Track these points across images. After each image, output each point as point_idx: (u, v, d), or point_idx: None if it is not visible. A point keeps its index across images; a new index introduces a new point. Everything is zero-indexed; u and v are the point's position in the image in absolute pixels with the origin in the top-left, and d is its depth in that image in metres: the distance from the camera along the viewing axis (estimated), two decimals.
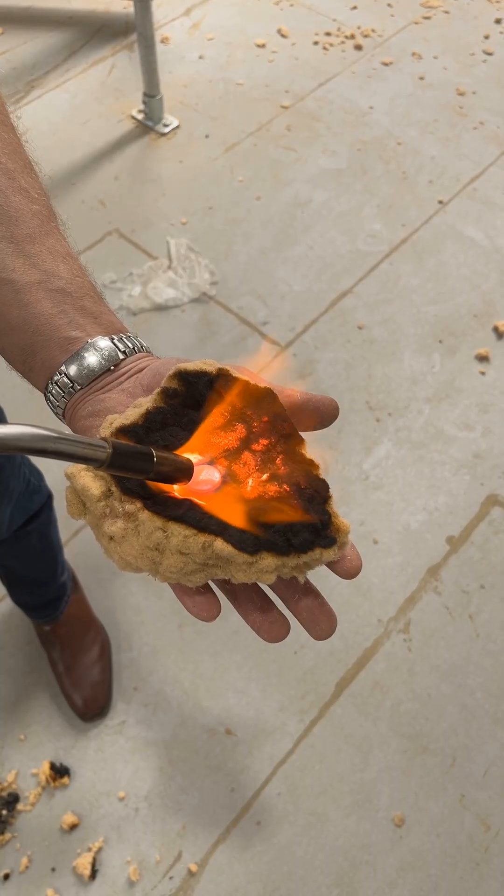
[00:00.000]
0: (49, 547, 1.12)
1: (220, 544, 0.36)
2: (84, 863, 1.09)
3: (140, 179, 1.87)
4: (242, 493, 0.38)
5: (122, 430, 0.38)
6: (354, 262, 1.73)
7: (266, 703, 1.22)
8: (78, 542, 1.36)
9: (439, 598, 1.32)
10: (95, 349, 0.41)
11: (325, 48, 2.18)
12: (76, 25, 2.23)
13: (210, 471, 0.38)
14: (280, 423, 0.39)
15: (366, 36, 2.22)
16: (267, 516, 0.37)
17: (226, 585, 0.39)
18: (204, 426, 0.39)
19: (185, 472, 0.37)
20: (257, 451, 0.39)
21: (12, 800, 1.14)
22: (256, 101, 2.04)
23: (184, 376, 0.39)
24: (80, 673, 1.21)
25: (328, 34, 2.22)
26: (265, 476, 0.38)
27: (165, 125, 1.97)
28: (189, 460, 0.37)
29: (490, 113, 2.03)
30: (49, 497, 1.07)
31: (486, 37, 2.24)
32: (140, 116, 1.98)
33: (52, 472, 1.13)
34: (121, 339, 0.42)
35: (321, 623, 0.38)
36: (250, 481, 0.38)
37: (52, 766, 1.16)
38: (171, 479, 0.36)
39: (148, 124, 1.97)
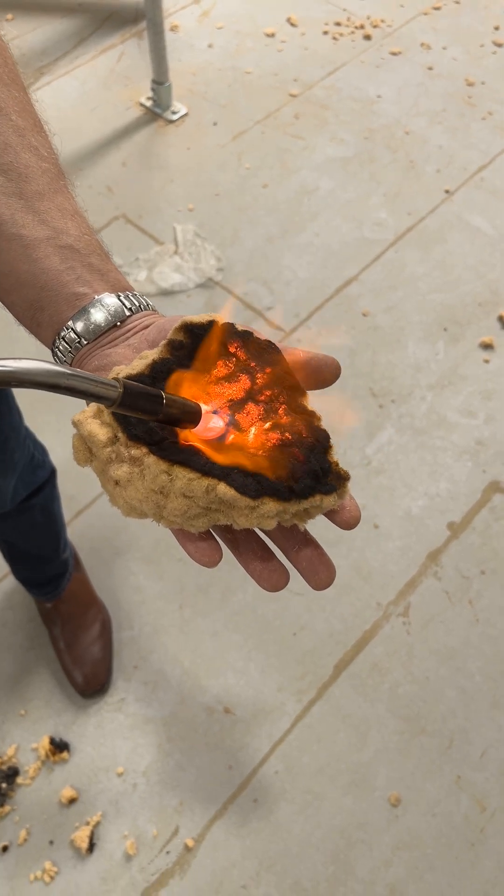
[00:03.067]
0: (52, 522, 1.13)
1: (223, 488, 0.36)
2: (82, 836, 1.10)
3: (147, 166, 1.88)
4: (246, 440, 0.38)
5: (129, 379, 0.38)
6: (360, 249, 1.73)
7: (265, 683, 1.23)
8: (80, 522, 1.37)
9: (439, 583, 1.32)
10: (102, 305, 0.41)
11: (334, 38, 2.18)
12: (86, 13, 2.23)
13: (215, 419, 0.39)
14: (283, 376, 0.40)
15: (375, 26, 2.22)
16: (269, 462, 0.37)
17: (227, 535, 0.40)
18: (209, 376, 0.40)
19: (192, 415, 0.37)
20: (261, 401, 0.39)
21: (12, 773, 1.15)
22: (265, 89, 2.04)
23: (190, 328, 0.40)
24: (81, 650, 1.22)
25: (338, 24, 2.22)
26: (268, 425, 0.38)
27: (174, 112, 1.97)
28: (197, 404, 0.38)
29: (498, 103, 2.03)
30: (52, 472, 1.08)
31: (496, 28, 2.24)
32: (148, 104, 1.99)
33: (57, 450, 1.14)
34: (127, 297, 0.43)
35: (320, 573, 0.39)
36: (253, 429, 0.39)
37: (52, 741, 1.17)
38: (178, 422, 0.37)
39: (156, 111, 1.98)
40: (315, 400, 0.41)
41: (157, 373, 0.39)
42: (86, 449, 0.40)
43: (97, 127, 1.95)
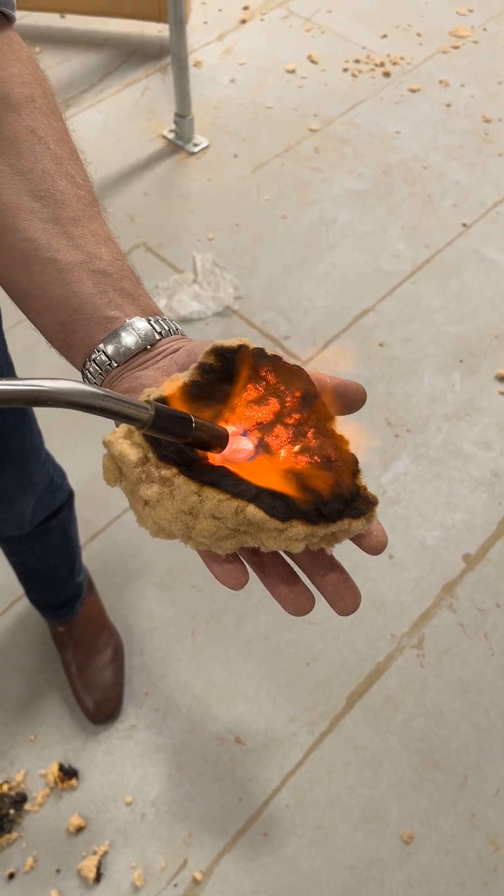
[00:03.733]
0: (68, 545, 1.13)
1: (252, 510, 0.37)
2: (89, 866, 1.09)
3: (169, 196, 1.91)
4: (275, 462, 0.39)
5: (159, 402, 0.39)
6: (377, 281, 1.74)
7: (277, 713, 1.22)
8: (95, 546, 1.37)
9: (454, 616, 1.31)
10: (133, 329, 0.42)
11: (354, 75, 2.23)
12: (112, 48, 2.29)
13: (244, 441, 0.39)
14: (311, 399, 0.40)
15: (394, 63, 2.26)
16: (298, 485, 0.38)
17: (253, 558, 0.40)
18: (238, 398, 0.40)
19: (220, 439, 0.38)
20: (289, 424, 0.40)
21: (20, 799, 1.14)
22: (285, 123, 2.08)
23: (220, 352, 0.41)
24: (93, 675, 1.21)
25: (357, 61, 2.27)
26: (297, 448, 0.39)
27: (195, 145, 2.01)
28: (224, 429, 0.39)
29: None
30: (70, 495, 1.08)
31: None
32: (171, 136, 2.03)
33: (74, 472, 1.15)
34: (157, 321, 0.43)
35: (346, 598, 0.39)
36: (282, 452, 0.39)
37: (61, 768, 1.16)
38: (207, 446, 0.38)
39: (178, 143, 2.02)
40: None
41: (188, 395, 0.39)
42: (116, 469, 0.41)
43: (120, 158, 1.99)
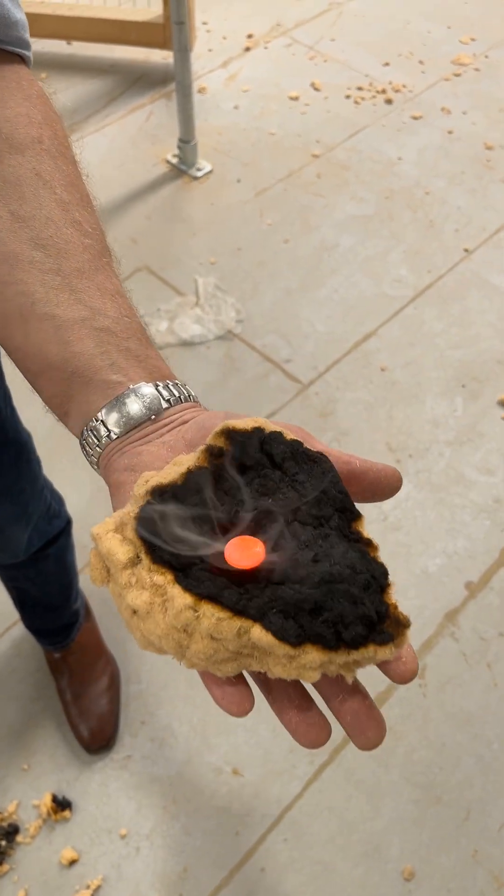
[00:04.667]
0: (65, 572, 1.12)
1: (257, 632, 0.32)
2: None
3: (171, 220, 1.92)
4: (289, 571, 0.33)
5: (158, 491, 0.35)
6: (379, 305, 1.74)
7: (275, 743, 1.20)
8: None
9: (456, 645, 1.29)
10: (137, 396, 0.38)
11: (356, 102, 2.25)
12: (117, 74, 2.32)
13: (253, 544, 0.34)
14: (335, 494, 0.36)
15: (397, 91, 2.28)
16: (314, 601, 0.32)
17: (260, 675, 0.35)
18: (250, 491, 0.35)
19: (220, 558, 0.34)
20: (308, 524, 0.35)
21: (12, 831, 1.11)
22: (288, 149, 2.10)
23: (231, 434, 0.36)
24: (88, 703, 1.19)
25: (360, 88, 2.29)
26: (314, 554, 0.33)
27: (199, 169, 2.02)
28: (224, 547, 0.34)
29: None
30: (68, 522, 1.07)
31: None
32: (174, 161, 2.05)
33: (73, 497, 1.13)
34: (166, 387, 0.39)
35: (368, 731, 0.33)
36: (299, 558, 0.33)
37: (55, 799, 1.14)
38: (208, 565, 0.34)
39: (182, 168, 2.03)
40: None
41: (192, 484, 0.35)
42: (103, 567, 0.36)
43: (124, 182, 2.00)
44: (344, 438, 1.52)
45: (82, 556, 1.32)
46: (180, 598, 0.32)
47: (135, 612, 0.34)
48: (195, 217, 1.93)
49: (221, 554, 0.33)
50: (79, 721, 1.18)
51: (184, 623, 0.32)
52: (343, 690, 0.34)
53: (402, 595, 1.33)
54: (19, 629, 1.29)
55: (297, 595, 0.32)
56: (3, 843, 1.10)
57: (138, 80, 2.30)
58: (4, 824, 1.12)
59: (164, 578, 0.33)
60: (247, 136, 2.13)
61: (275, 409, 1.56)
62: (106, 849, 1.11)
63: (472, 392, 1.60)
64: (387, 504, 1.44)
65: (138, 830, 1.13)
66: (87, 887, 1.08)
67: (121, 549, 0.34)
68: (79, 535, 1.15)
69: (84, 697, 1.19)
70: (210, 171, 2.03)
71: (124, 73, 2.32)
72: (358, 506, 0.37)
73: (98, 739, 1.17)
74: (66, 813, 1.13)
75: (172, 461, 0.36)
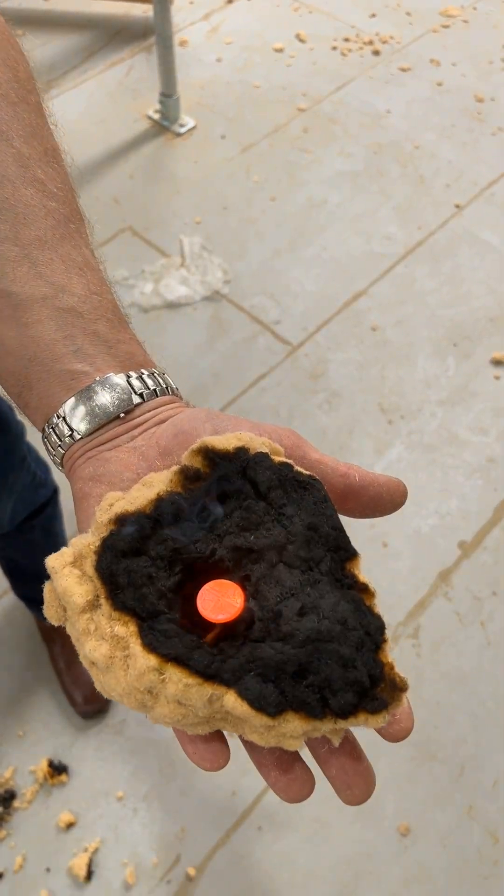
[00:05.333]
0: (53, 542, 1.10)
1: (231, 699, 0.28)
2: (80, 864, 1.06)
3: (155, 178, 1.87)
4: (270, 627, 0.29)
5: (123, 520, 0.30)
6: (369, 263, 1.71)
7: None
8: None
9: (450, 604, 1.29)
10: (105, 389, 0.33)
11: (343, 53, 2.18)
12: (95, 28, 2.24)
13: (230, 591, 0.29)
14: (327, 531, 0.31)
15: (384, 42, 2.22)
16: (298, 663, 0.29)
17: None
18: (227, 526, 0.31)
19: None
20: (294, 567, 0.30)
21: (9, 797, 1.11)
22: (273, 103, 2.04)
23: (210, 455, 0.31)
24: (81, 670, 1.18)
25: (346, 40, 2.22)
26: (300, 605, 0.29)
27: (181, 125, 1.96)
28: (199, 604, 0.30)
29: None
30: (55, 491, 1.05)
31: None
32: (156, 116, 1.98)
33: None
34: (140, 377, 0.34)
35: (355, 787, 0.30)
36: (282, 610, 0.29)
37: (51, 764, 1.14)
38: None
39: (164, 124, 1.97)
40: None
41: (162, 514, 0.30)
42: (59, 605, 0.31)
43: (105, 139, 1.94)
44: (335, 400, 1.50)
45: (69, 522, 1.30)
46: (143, 658, 0.28)
47: (93, 663, 0.30)
48: (179, 175, 1.87)
49: (194, 601, 0.29)
50: (72, 688, 1.18)
51: (147, 686, 0.28)
52: (330, 741, 0.30)
53: (396, 557, 1.33)
54: (10, 598, 1.27)
55: (279, 656, 0.28)
56: (0, 809, 1.10)
57: (117, 35, 2.22)
58: (1, 790, 1.12)
59: (125, 630, 0.29)
60: (230, 89, 2.07)
61: (264, 372, 1.53)
62: (103, 811, 1.11)
63: (464, 351, 1.58)
64: (379, 465, 1.42)
65: (135, 793, 1.13)
66: (85, 850, 1.08)
67: (78, 589, 0.30)
68: (67, 503, 1.12)
69: (77, 664, 1.19)
70: (193, 127, 1.97)
71: (103, 27, 2.24)
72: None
73: (92, 705, 1.17)
74: (63, 777, 1.13)
75: (142, 481, 0.32)
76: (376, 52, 2.18)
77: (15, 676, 1.22)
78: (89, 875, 1.06)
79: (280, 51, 2.19)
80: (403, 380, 1.53)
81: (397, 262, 1.71)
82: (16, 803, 1.11)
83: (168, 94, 1.92)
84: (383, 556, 1.33)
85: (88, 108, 2.02)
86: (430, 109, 2.04)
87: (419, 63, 2.16)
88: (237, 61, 2.15)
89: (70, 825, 1.10)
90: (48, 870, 1.07)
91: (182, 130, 1.96)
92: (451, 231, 1.77)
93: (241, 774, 1.14)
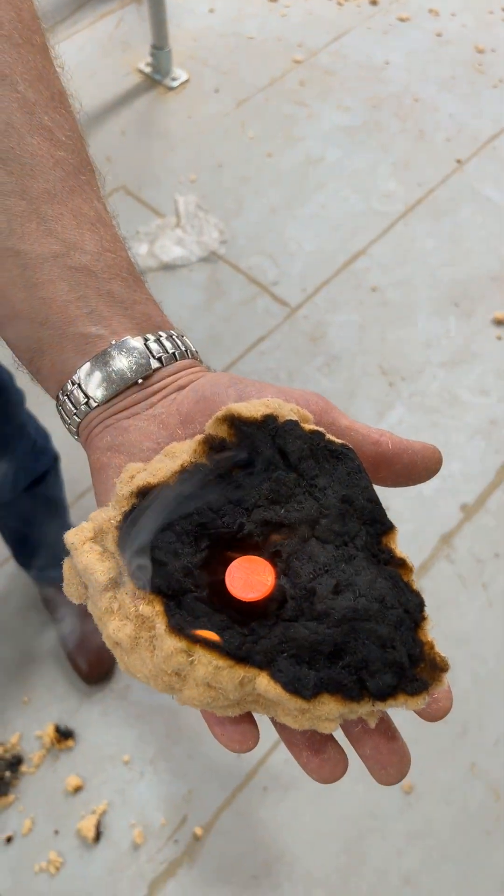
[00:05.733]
0: (55, 510, 1.09)
1: (264, 682, 0.27)
2: (88, 825, 1.08)
3: (147, 134, 1.81)
4: (303, 605, 0.28)
5: (146, 493, 0.29)
6: (368, 221, 1.67)
7: None
8: (83, 505, 1.33)
9: (452, 567, 1.29)
10: (122, 353, 0.31)
11: (339, 3, 2.11)
12: None
13: (260, 567, 0.28)
14: (363, 504, 0.29)
15: None
16: (334, 642, 0.27)
17: None
18: (257, 499, 0.29)
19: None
20: (328, 542, 0.29)
21: (16, 762, 1.12)
22: (268, 55, 1.97)
23: (237, 424, 0.29)
24: (85, 636, 1.18)
25: None
26: (334, 582, 0.28)
27: (174, 79, 1.90)
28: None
29: None
30: (56, 459, 1.04)
31: None
32: (148, 70, 1.92)
33: (60, 431, 1.09)
34: (157, 340, 0.32)
35: (390, 766, 0.29)
36: (315, 588, 0.28)
37: (57, 729, 1.14)
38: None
39: (156, 78, 1.91)
40: None
41: (187, 486, 0.29)
42: (80, 583, 0.30)
43: (95, 94, 1.88)
44: (335, 363, 1.48)
45: (72, 490, 1.29)
46: (169, 638, 0.27)
47: (117, 644, 0.29)
48: (172, 131, 1.82)
49: (222, 580, 0.28)
50: (76, 654, 1.18)
51: (175, 668, 0.27)
52: (364, 720, 0.29)
53: (398, 520, 1.32)
54: (12, 566, 1.27)
55: (314, 636, 0.27)
56: (8, 773, 1.11)
57: None
58: (8, 755, 1.13)
59: (151, 609, 0.27)
60: (224, 41, 2.00)
61: (263, 335, 1.51)
62: (110, 775, 1.12)
63: (465, 311, 1.55)
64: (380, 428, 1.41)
65: (141, 756, 1.14)
66: (93, 812, 1.09)
67: (100, 566, 0.28)
68: (68, 471, 1.11)
69: (81, 630, 1.19)
70: (186, 81, 1.91)
71: None
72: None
73: (97, 670, 1.17)
74: (70, 742, 1.14)
75: (164, 451, 0.30)
76: (374, 2, 2.11)
77: (18, 644, 1.22)
78: (98, 836, 1.08)
79: (274, 0, 2.11)
80: (404, 341, 1.51)
81: (397, 221, 1.68)
82: (23, 768, 1.12)
83: (159, 47, 1.85)
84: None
85: (78, 62, 1.95)
86: (430, 61, 1.98)
87: (418, 13, 2.09)
88: (230, 11, 2.08)
89: (77, 789, 1.11)
90: (57, 832, 1.08)
91: (174, 84, 1.89)
92: (452, 187, 1.73)
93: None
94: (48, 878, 1.05)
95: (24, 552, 1.16)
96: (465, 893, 1.05)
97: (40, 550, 1.14)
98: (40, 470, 0.99)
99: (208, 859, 1.07)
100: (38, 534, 1.11)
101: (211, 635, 0.27)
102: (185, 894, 1.05)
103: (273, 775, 1.13)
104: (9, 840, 1.07)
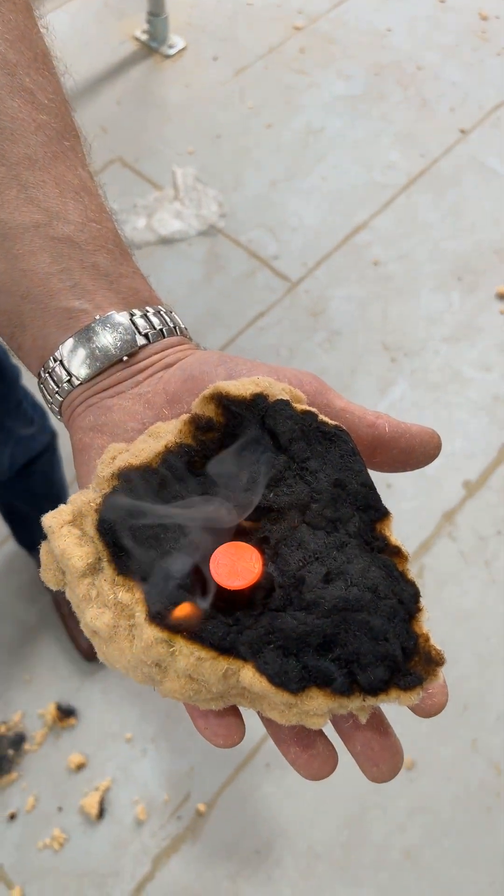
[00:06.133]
0: (52, 488, 1.08)
1: (249, 674, 0.26)
2: (91, 802, 1.08)
3: (144, 104, 1.77)
4: (290, 593, 0.27)
5: (127, 475, 0.27)
6: (370, 194, 1.64)
7: None
8: None
9: (454, 544, 1.28)
10: (105, 328, 0.30)
11: None
12: None
13: (247, 554, 0.27)
14: (356, 488, 0.28)
15: None
16: (323, 634, 0.26)
17: None
18: (244, 482, 0.28)
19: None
20: (319, 528, 0.27)
21: (18, 740, 1.12)
22: (267, 21, 1.92)
23: (224, 404, 0.28)
24: None
25: None
26: (325, 570, 0.27)
27: (171, 47, 1.86)
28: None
29: None
30: (53, 436, 1.02)
31: None
32: (144, 37, 1.87)
33: None
34: (144, 316, 0.31)
35: (381, 763, 0.28)
36: (305, 576, 0.26)
37: (59, 707, 1.14)
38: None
39: (152, 46, 1.86)
40: None
41: (171, 468, 0.28)
42: (57, 568, 0.29)
43: (90, 63, 1.83)
44: (336, 338, 1.46)
45: (70, 469, 1.28)
46: (149, 628, 0.25)
47: (95, 633, 0.28)
48: (170, 101, 1.78)
49: (206, 567, 0.26)
50: (77, 633, 1.18)
51: (155, 659, 0.26)
52: (355, 716, 0.28)
53: (400, 497, 1.31)
54: (11, 545, 1.26)
55: (302, 627, 0.26)
56: (11, 751, 1.12)
57: None
58: (10, 733, 1.13)
59: (130, 596, 0.26)
60: (222, 7, 1.95)
61: (263, 310, 1.49)
62: (112, 752, 1.13)
63: (468, 285, 1.53)
64: (382, 404, 1.40)
65: (143, 734, 1.14)
66: (97, 789, 1.10)
67: (78, 551, 0.27)
68: (66, 449, 1.10)
69: None
70: (183, 49, 1.86)
71: None
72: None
73: None
74: (72, 720, 1.14)
75: (148, 431, 0.29)
76: None
77: (19, 623, 1.22)
78: (101, 813, 1.08)
79: None
80: (406, 316, 1.49)
81: (399, 193, 1.64)
82: (26, 746, 1.13)
83: (156, 13, 1.80)
84: (387, 496, 1.31)
85: (72, 31, 1.90)
86: (433, 28, 1.93)
87: None
88: None
89: (80, 766, 1.11)
90: (60, 809, 1.09)
91: (171, 52, 1.85)
92: (456, 158, 1.69)
93: (249, 714, 1.15)
94: (52, 854, 1.06)
95: (23, 531, 1.15)
96: (465, 868, 1.06)
97: (39, 530, 1.13)
98: (37, 448, 0.97)
99: (211, 835, 1.08)
100: (36, 512, 1.09)
101: (190, 611, 0.26)
102: (189, 869, 1.05)
103: (275, 752, 1.13)
104: (12, 817, 1.08)
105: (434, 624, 1.22)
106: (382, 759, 0.28)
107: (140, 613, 0.26)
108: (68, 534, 0.28)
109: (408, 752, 1.13)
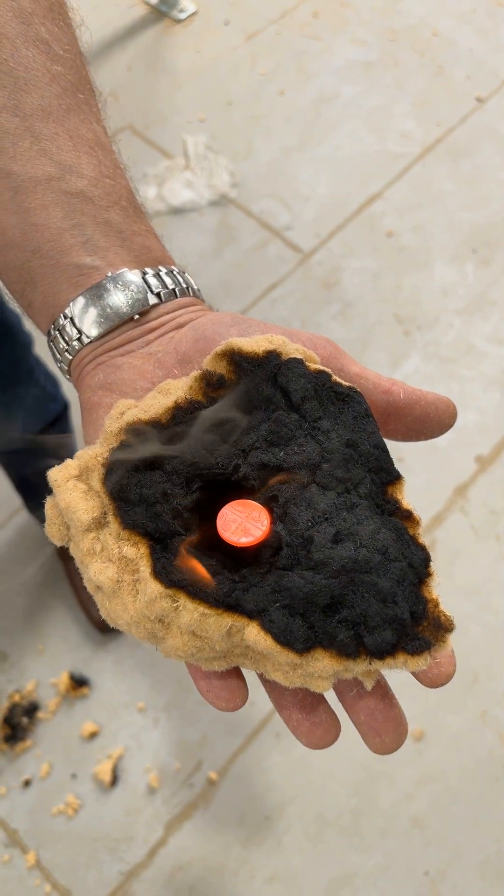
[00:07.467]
0: (66, 457, 1.08)
1: (253, 632, 0.25)
2: (104, 769, 1.10)
3: (154, 70, 1.74)
4: (298, 553, 0.26)
5: (136, 430, 0.27)
6: (384, 163, 1.62)
7: None
8: None
9: (466, 519, 1.28)
10: (117, 286, 0.29)
11: None
12: None
13: (255, 512, 0.26)
14: (368, 450, 0.28)
15: None
16: (330, 595, 0.26)
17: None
18: (254, 439, 0.27)
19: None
20: (329, 489, 0.27)
21: (32, 708, 1.14)
22: None
23: (236, 360, 0.28)
24: None
25: None
26: (334, 531, 0.26)
27: (181, 11, 1.82)
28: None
29: None
30: (66, 406, 1.02)
31: None
32: (154, 1, 1.83)
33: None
34: (157, 275, 0.31)
35: (385, 734, 0.28)
36: (313, 536, 0.26)
37: (72, 677, 1.16)
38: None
39: (162, 10, 1.82)
40: None
41: (181, 424, 0.27)
42: (62, 523, 0.29)
43: (99, 28, 1.79)
44: (349, 310, 1.45)
45: (82, 439, 1.28)
46: (153, 583, 0.25)
47: (98, 587, 0.27)
48: (180, 67, 1.75)
49: (213, 523, 0.26)
50: (90, 603, 1.18)
51: (158, 614, 0.25)
52: (359, 684, 0.28)
53: (412, 471, 1.31)
54: (23, 515, 1.26)
55: (309, 586, 0.25)
56: (25, 719, 1.13)
57: None
58: (24, 702, 1.14)
59: (135, 551, 0.26)
60: None
61: (275, 282, 1.47)
62: (125, 721, 1.14)
63: (483, 258, 1.51)
64: (394, 377, 1.38)
65: (155, 704, 1.15)
66: (109, 757, 1.11)
67: (84, 504, 0.27)
68: (78, 419, 1.10)
69: None
70: (194, 13, 1.82)
71: None
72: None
73: None
74: (85, 689, 1.15)
75: (157, 387, 0.29)
76: None
77: (32, 593, 1.23)
78: (114, 780, 1.10)
79: None
80: (420, 288, 1.48)
81: (414, 162, 1.62)
82: (39, 714, 1.14)
83: None
84: (399, 470, 1.31)
85: None
86: None
87: None
88: None
89: (93, 734, 1.13)
90: (74, 776, 1.10)
91: (182, 16, 1.81)
92: (472, 127, 1.66)
93: (260, 685, 1.16)
94: (66, 820, 1.08)
95: (35, 501, 1.15)
96: (472, 836, 1.08)
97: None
98: (49, 417, 0.97)
99: (223, 802, 1.09)
100: (48, 483, 1.10)
101: (199, 567, 0.26)
102: (201, 835, 1.07)
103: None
104: (27, 783, 1.10)
105: (445, 597, 1.22)
106: (386, 729, 0.28)
107: (145, 568, 0.26)
108: (74, 488, 0.27)
109: (417, 723, 1.14)
